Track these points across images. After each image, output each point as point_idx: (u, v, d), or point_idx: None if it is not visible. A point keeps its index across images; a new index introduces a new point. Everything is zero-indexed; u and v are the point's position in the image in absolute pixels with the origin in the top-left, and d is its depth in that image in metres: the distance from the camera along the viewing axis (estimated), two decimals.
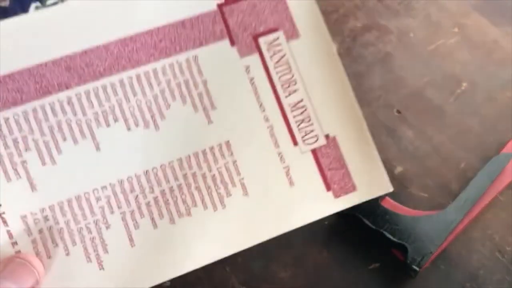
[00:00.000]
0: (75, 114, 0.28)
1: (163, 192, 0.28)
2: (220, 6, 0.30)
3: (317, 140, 0.30)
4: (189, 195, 0.29)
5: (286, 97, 0.30)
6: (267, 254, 0.38)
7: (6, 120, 0.27)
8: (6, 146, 0.27)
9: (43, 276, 0.27)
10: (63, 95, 0.28)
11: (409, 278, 0.37)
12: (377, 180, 0.30)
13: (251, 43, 0.30)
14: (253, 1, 0.30)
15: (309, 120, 0.30)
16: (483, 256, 0.39)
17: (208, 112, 0.29)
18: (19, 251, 0.27)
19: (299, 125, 0.30)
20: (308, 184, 0.30)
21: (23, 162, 0.27)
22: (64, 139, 0.28)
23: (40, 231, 0.27)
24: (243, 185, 0.29)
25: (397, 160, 0.42)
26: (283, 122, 0.30)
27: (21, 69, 0.28)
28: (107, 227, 0.28)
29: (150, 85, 0.29)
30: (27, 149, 0.27)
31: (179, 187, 0.28)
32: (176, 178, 0.29)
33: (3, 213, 0.27)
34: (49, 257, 0.27)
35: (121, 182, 0.28)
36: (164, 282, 0.28)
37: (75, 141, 0.28)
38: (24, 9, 0.37)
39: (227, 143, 0.29)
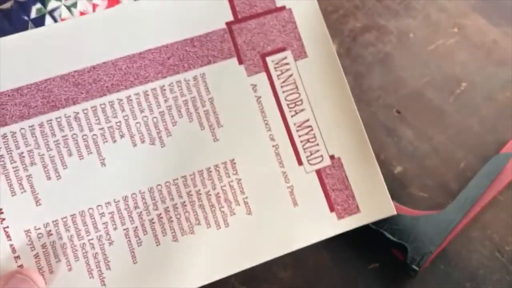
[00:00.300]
0: (81, 129, 0.28)
1: (166, 210, 0.28)
2: (229, 24, 0.30)
3: (322, 160, 0.30)
4: (193, 213, 0.29)
5: (292, 116, 0.30)
6: None
7: (13, 134, 0.27)
8: (12, 160, 0.27)
9: None
10: (70, 110, 0.28)
11: (409, 278, 0.38)
12: (381, 203, 0.30)
13: (258, 62, 0.30)
14: (262, 20, 0.30)
15: (315, 140, 0.30)
16: (483, 256, 0.39)
17: (214, 130, 0.29)
18: (21, 266, 0.27)
19: (304, 144, 0.30)
20: (312, 205, 0.30)
21: (28, 177, 0.27)
22: (70, 154, 0.28)
23: (43, 246, 0.27)
24: (246, 204, 0.29)
25: (397, 160, 0.42)
26: (289, 142, 0.30)
27: (29, 84, 0.28)
28: (110, 243, 0.28)
29: (157, 102, 0.29)
30: (32, 163, 0.27)
31: (183, 204, 0.28)
32: (180, 196, 0.28)
33: (7, 227, 0.27)
34: (51, 272, 0.27)
35: (125, 199, 0.28)
36: None
37: (80, 156, 0.28)
38: (26, 11, 0.37)
39: (232, 161, 0.29)
